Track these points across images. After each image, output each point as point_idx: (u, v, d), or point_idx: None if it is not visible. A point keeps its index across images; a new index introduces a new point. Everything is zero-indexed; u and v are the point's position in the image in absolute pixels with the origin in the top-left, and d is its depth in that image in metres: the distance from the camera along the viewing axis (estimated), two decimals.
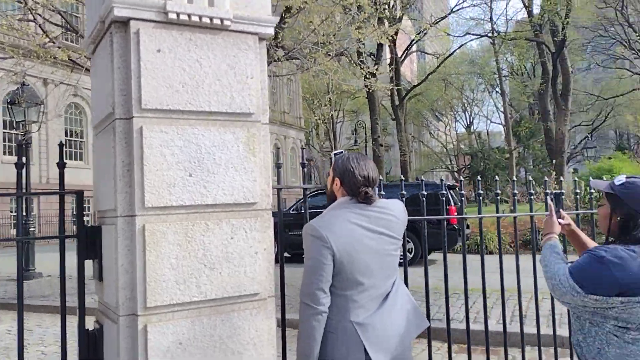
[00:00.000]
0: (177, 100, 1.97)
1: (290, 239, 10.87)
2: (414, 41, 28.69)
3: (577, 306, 2.18)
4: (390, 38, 12.28)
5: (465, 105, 44.23)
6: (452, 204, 11.99)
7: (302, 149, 2.47)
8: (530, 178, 3.89)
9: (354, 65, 12.13)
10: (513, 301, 6.29)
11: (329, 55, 8.23)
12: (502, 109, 37.83)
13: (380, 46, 23.78)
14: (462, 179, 3.40)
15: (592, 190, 4.29)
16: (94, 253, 2.19)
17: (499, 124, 43.53)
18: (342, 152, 2.42)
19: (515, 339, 4.32)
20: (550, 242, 2.45)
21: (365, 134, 30.54)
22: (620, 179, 2.24)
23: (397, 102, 27.49)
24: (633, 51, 26.77)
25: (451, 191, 12.55)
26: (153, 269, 1.91)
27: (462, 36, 32.32)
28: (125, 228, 1.94)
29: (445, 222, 3.20)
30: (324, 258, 2.17)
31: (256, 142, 2.08)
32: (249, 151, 2.06)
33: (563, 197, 3.27)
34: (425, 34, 27.78)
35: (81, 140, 28.82)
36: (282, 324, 2.54)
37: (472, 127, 46.30)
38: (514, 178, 3.68)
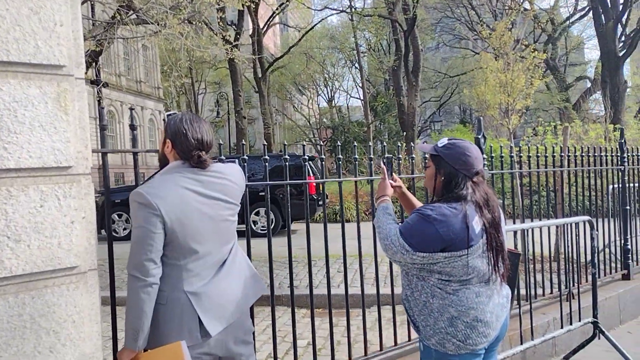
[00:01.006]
0: None
1: None
2: (276, 12, 28.54)
3: (407, 263, 2.28)
4: (249, 5, 11.99)
5: (327, 79, 45.21)
6: (312, 174, 12.26)
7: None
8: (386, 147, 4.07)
9: (213, 33, 11.71)
10: (366, 265, 6.61)
11: (181, 19, 7.79)
12: (360, 84, 39.26)
13: (241, 15, 23.31)
14: (323, 146, 3.47)
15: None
16: None
17: (358, 98, 45.23)
18: (175, 112, 2.27)
19: (368, 300, 4.54)
20: (383, 204, 2.53)
21: (228, 106, 29.96)
22: (442, 141, 2.37)
23: (260, 75, 27.26)
24: (474, 32, 29.12)
25: (310, 162, 12.80)
26: None
27: (321, 10, 32.76)
28: None
29: (306, 189, 3.23)
30: (153, 227, 2.03)
31: (69, 99, 1.85)
32: (60, 109, 1.82)
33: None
34: (286, 5, 27.72)
35: None
36: (112, 299, 2.37)
37: (333, 102, 47.57)
38: (370, 144, 3.80)
